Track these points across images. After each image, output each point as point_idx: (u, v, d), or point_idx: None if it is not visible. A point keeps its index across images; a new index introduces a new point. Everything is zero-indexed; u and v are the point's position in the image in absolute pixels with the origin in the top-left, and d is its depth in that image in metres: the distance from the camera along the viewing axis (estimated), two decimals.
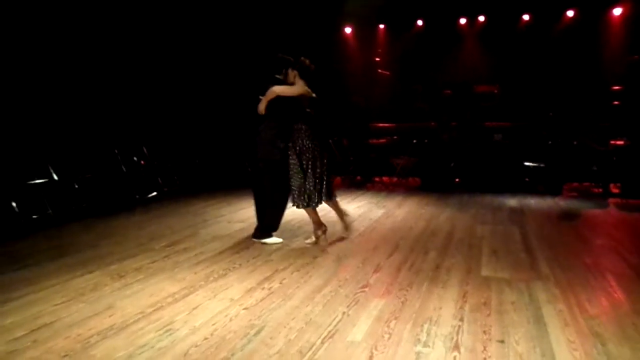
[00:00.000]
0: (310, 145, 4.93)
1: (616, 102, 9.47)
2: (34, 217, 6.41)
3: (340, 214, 5.33)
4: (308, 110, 4.97)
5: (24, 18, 6.95)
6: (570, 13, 9.97)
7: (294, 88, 4.96)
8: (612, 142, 8.36)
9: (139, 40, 8.82)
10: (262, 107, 4.92)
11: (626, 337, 2.81)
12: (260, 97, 4.94)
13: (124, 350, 2.74)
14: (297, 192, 4.94)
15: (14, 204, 6.23)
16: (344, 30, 11.34)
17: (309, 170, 4.92)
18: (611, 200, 7.74)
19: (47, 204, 6.60)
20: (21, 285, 3.87)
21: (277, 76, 5.06)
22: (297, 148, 4.93)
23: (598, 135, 8.32)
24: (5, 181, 6.31)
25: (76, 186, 7.18)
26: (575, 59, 9.75)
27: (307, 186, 4.91)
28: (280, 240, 5.12)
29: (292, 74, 5.00)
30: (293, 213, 6.25)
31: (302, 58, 5.04)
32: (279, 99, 4.91)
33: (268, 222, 5.17)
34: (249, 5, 10.23)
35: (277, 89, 4.91)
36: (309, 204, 4.96)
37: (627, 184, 7.85)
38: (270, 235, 5.14)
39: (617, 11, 9.73)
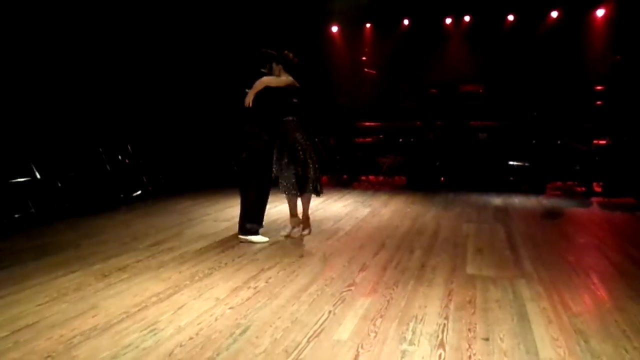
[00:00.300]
0: (301, 136, 5.04)
1: (599, 102, 9.61)
2: (16, 216, 6.31)
3: (307, 212, 5.41)
4: (294, 100, 5.06)
5: (5, 14, 6.84)
6: (554, 14, 10.09)
7: (282, 79, 5.01)
8: (595, 141, 8.48)
9: (123, 38, 8.73)
10: (249, 100, 4.91)
11: (609, 334, 2.84)
12: (247, 90, 4.94)
13: (107, 351, 2.70)
14: (289, 182, 5.01)
15: None
16: (330, 29, 11.34)
17: (309, 160, 5.03)
18: (594, 199, 7.85)
19: (30, 203, 6.50)
20: (2, 285, 3.80)
21: (262, 70, 5.10)
22: (290, 140, 4.99)
23: (581, 135, 8.43)
24: None
25: (59, 185, 7.09)
26: (559, 59, 9.86)
27: (303, 175, 5.00)
28: (266, 239, 5.10)
29: (276, 67, 5.08)
30: (279, 212, 6.27)
31: (286, 52, 5.11)
32: (266, 91, 4.94)
33: (251, 216, 5.12)
34: (234, 4, 10.18)
35: (265, 79, 4.94)
36: (304, 193, 5.08)
37: (609, 183, 7.96)
38: (256, 233, 5.12)
39: (600, 12, 9.87)
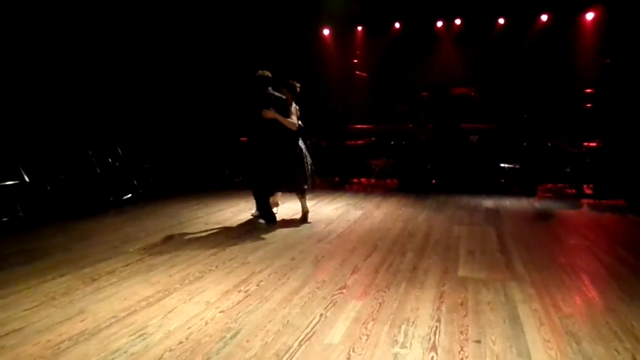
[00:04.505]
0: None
1: (589, 105, 9.67)
2: (4, 219, 6.24)
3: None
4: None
5: None
6: (544, 17, 10.14)
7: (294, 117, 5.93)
8: (586, 144, 8.52)
9: (114, 40, 8.68)
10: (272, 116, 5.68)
11: (600, 336, 2.84)
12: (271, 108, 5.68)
13: (95, 356, 2.67)
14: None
15: None
16: (321, 31, 11.34)
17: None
18: (584, 200, 7.87)
19: (18, 207, 6.44)
20: None
21: (280, 95, 5.81)
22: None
23: (571, 137, 8.46)
24: None
25: (48, 188, 7.02)
26: (549, 62, 9.92)
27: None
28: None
29: (288, 95, 5.90)
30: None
31: (297, 83, 6.00)
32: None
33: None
34: (225, 7, 10.16)
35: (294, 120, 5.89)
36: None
37: (600, 185, 8.00)
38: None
39: (590, 15, 9.93)
